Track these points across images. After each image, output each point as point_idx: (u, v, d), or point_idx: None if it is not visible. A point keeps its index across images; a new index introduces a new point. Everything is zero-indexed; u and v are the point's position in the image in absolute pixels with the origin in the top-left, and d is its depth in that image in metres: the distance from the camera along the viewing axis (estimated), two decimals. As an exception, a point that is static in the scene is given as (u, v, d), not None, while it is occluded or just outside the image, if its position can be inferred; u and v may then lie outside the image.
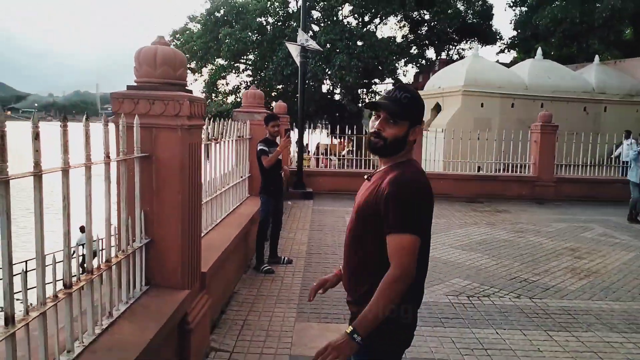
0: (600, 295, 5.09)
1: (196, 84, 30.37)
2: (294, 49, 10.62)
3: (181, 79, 3.09)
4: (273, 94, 26.78)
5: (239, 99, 25.53)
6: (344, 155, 14.05)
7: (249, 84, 27.75)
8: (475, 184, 11.62)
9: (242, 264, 5.42)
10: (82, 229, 8.61)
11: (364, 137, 12.86)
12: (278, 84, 26.53)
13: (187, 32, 29.65)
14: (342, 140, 17.75)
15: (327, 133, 22.20)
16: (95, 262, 2.46)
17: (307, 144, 19.57)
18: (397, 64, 27.55)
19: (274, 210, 5.84)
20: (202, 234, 4.34)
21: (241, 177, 6.24)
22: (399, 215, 1.74)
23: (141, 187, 2.91)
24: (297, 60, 10.58)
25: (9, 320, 1.74)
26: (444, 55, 30.85)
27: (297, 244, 6.82)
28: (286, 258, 5.95)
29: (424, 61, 30.23)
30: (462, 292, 5.04)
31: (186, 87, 3.13)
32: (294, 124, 11.63)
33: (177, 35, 29.84)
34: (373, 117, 1.95)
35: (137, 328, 2.51)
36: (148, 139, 2.94)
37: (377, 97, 28.70)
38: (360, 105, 27.92)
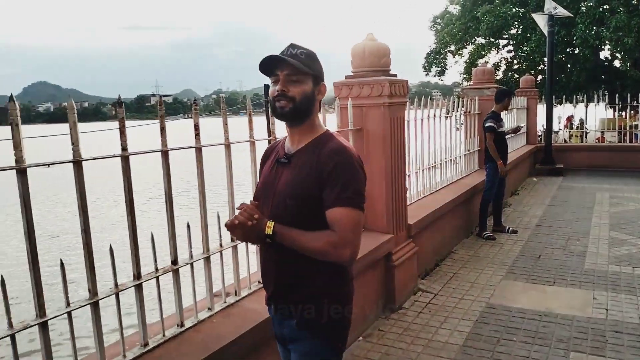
0: None
1: (456, 66, 30.44)
2: (540, 19, 10.16)
3: (385, 65, 3.84)
4: (539, 67, 24.99)
5: (497, 77, 24.76)
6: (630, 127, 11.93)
7: (509, 60, 26.64)
8: None
9: (463, 228, 5.88)
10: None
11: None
12: (542, 56, 24.66)
13: (447, 15, 30.04)
14: (626, 113, 15.09)
15: (605, 105, 19.38)
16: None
17: (581, 119, 17.80)
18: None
19: (498, 181, 6.07)
20: (420, 197, 5.07)
21: (468, 150, 6.66)
22: (349, 189, 1.55)
23: (355, 153, 3.79)
24: (545, 30, 10.07)
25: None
26: None
27: (529, 216, 6.83)
28: (511, 228, 6.12)
29: None
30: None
31: (389, 72, 3.87)
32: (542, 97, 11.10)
33: (438, 20, 30.51)
34: (271, 83, 1.65)
35: (345, 254, 3.41)
36: (359, 115, 3.80)
37: None
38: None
